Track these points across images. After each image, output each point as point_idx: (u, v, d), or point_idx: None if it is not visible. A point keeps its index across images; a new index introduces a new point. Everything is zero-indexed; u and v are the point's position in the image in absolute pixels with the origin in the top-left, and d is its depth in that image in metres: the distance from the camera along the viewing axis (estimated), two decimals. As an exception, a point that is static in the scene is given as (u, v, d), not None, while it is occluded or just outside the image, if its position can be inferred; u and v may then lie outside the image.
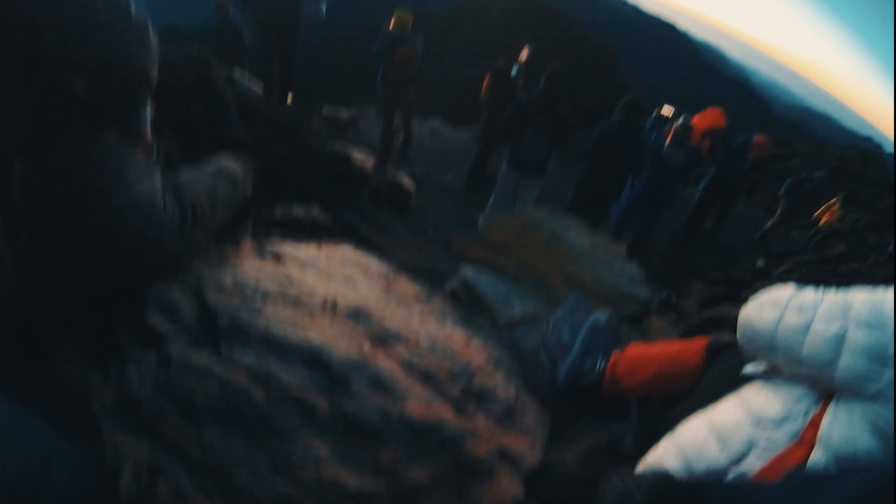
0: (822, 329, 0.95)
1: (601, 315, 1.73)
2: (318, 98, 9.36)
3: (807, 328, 0.97)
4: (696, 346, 1.32)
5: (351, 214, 3.45)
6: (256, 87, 5.43)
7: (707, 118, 6.15)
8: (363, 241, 2.78)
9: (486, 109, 6.15)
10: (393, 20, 5.65)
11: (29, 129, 0.91)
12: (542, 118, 4.33)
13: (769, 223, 8.48)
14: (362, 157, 6.00)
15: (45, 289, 1.01)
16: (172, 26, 31.46)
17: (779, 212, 8.48)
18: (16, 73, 0.87)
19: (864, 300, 0.93)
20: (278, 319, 1.26)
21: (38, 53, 0.87)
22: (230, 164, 1.48)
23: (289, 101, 5.60)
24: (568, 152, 5.16)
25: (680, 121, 5.16)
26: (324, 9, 5.06)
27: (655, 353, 1.42)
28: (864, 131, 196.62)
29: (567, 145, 4.60)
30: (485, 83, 6.16)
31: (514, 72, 5.94)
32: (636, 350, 1.50)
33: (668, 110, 6.01)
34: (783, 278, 6.37)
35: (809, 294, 1.03)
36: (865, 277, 6.93)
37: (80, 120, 0.94)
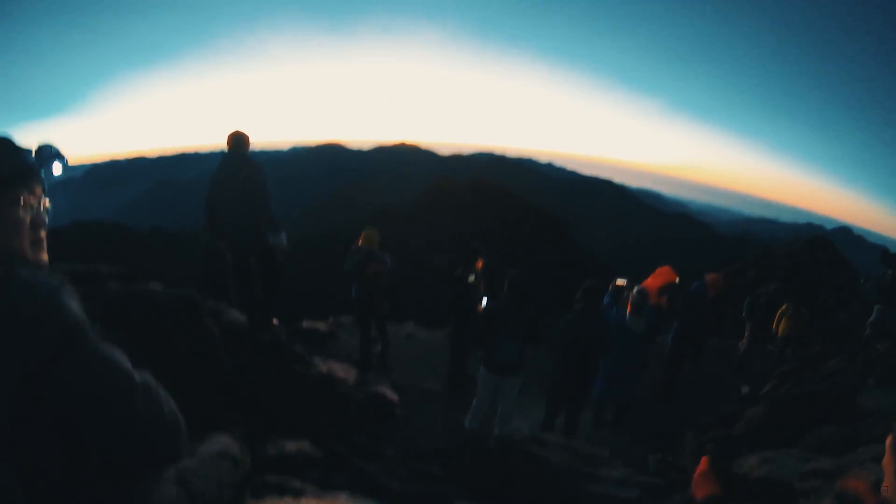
0: None
1: None
2: (296, 311, 9.77)
3: None
4: None
5: (341, 445, 3.49)
6: (240, 312, 5.55)
7: (659, 277, 6.48)
8: (357, 481, 2.79)
9: (453, 316, 6.42)
10: (361, 238, 5.97)
11: (55, 480, 1.01)
12: (510, 322, 4.53)
13: (742, 348, 8.60)
14: (344, 372, 6.07)
15: None
16: (158, 227, 33.47)
17: (746, 334, 8.61)
18: (49, 440, 0.99)
19: None
20: None
21: (76, 440, 1.01)
22: (229, 443, 1.58)
23: (274, 322, 5.64)
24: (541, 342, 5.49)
25: (634, 290, 5.46)
26: (285, 240, 5.17)
27: None
28: (801, 220, 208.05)
29: (539, 341, 4.73)
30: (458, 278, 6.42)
31: (472, 279, 6.26)
32: None
33: (621, 281, 6.34)
34: (771, 398, 6.32)
35: None
36: (849, 372, 6.84)
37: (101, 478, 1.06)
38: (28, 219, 1.11)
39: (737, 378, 8.11)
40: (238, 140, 4.96)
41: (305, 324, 8.74)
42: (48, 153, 1.20)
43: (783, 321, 8.42)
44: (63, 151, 1.24)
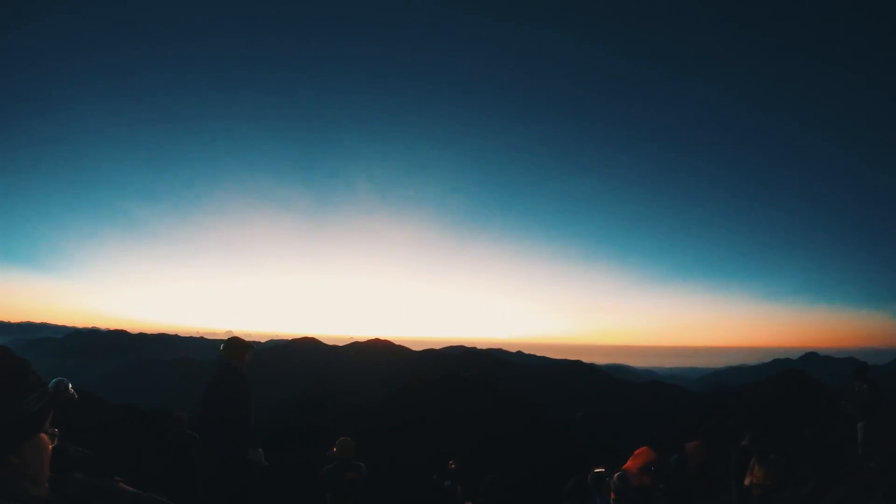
0: None
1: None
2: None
3: None
4: None
5: None
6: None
7: (638, 458, 6.44)
8: None
9: None
10: (336, 446, 6.10)
11: None
12: None
13: None
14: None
15: None
16: (133, 404, 32.17)
17: (734, 493, 8.32)
18: None
19: None
20: None
21: None
22: None
23: None
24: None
25: (615, 476, 5.51)
26: (262, 456, 4.91)
27: None
28: (768, 358, 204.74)
29: None
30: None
31: (447, 483, 6.63)
32: None
33: (600, 469, 6.27)
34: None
35: None
36: (851, 497, 6.98)
37: None
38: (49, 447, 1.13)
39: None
40: (230, 349, 4.91)
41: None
42: (63, 387, 1.21)
43: (749, 476, 7.75)
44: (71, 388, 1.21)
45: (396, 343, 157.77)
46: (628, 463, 6.36)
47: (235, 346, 4.93)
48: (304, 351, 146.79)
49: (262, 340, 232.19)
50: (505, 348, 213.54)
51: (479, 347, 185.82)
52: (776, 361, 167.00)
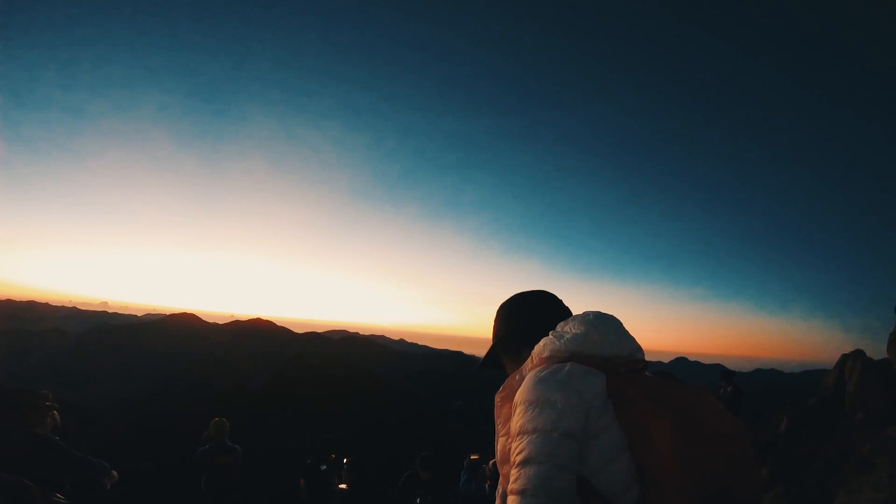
0: None
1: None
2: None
3: None
4: None
5: None
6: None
7: None
8: None
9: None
10: (211, 428, 5.89)
11: None
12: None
13: None
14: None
15: None
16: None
17: None
18: None
19: None
20: None
21: None
22: None
23: None
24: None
25: (490, 463, 5.52)
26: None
27: None
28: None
29: None
30: (300, 482, 6.37)
31: (323, 467, 6.28)
32: None
33: (475, 456, 6.29)
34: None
35: None
36: None
37: None
38: None
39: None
40: None
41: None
42: None
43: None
44: None
45: (278, 324, 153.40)
46: None
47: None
48: (182, 327, 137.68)
49: (139, 314, 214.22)
50: (387, 335, 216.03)
51: (361, 333, 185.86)
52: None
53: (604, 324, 1.23)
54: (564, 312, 1.39)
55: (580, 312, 1.31)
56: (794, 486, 6.57)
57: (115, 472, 3.50)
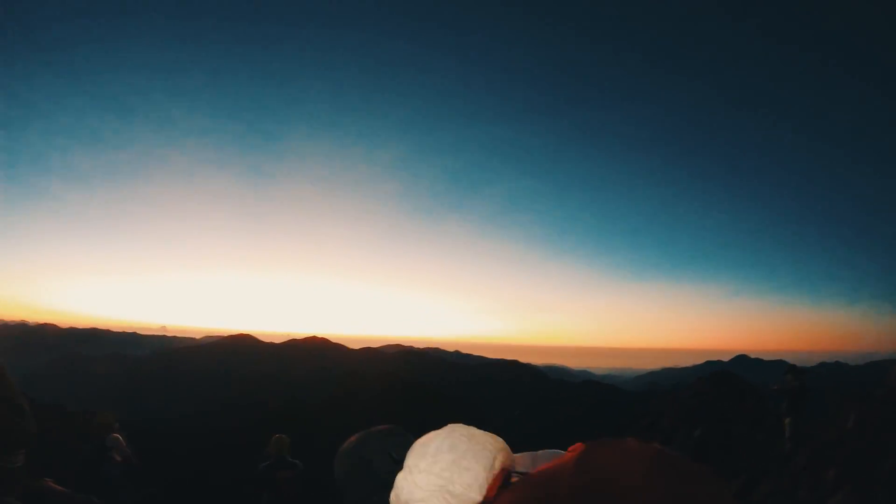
0: None
1: None
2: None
3: None
4: None
5: None
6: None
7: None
8: None
9: None
10: (271, 443, 6.03)
11: None
12: None
13: None
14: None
15: None
16: (61, 404, 31.09)
17: None
18: None
19: None
20: None
21: None
22: None
23: None
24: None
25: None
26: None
27: None
28: (700, 360, 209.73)
29: None
30: None
31: None
32: None
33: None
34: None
35: None
36: (778, 492, 7.29)
37: None
38: None
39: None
40: None
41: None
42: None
43: None
44: None
45: (333, 341, 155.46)
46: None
47: None
48: (241, 349, 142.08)
49: (198, 337, 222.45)
50: (442, 347, 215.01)
51: (416, 347, 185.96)
52: (708, 364, 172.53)
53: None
54: None
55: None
56: (864, 486, 6.08)
57: None
